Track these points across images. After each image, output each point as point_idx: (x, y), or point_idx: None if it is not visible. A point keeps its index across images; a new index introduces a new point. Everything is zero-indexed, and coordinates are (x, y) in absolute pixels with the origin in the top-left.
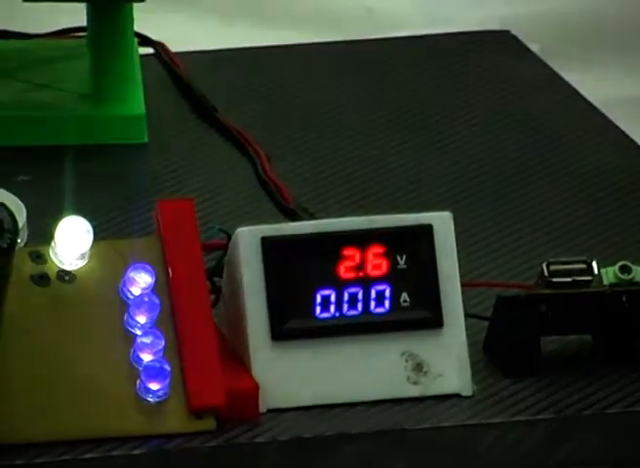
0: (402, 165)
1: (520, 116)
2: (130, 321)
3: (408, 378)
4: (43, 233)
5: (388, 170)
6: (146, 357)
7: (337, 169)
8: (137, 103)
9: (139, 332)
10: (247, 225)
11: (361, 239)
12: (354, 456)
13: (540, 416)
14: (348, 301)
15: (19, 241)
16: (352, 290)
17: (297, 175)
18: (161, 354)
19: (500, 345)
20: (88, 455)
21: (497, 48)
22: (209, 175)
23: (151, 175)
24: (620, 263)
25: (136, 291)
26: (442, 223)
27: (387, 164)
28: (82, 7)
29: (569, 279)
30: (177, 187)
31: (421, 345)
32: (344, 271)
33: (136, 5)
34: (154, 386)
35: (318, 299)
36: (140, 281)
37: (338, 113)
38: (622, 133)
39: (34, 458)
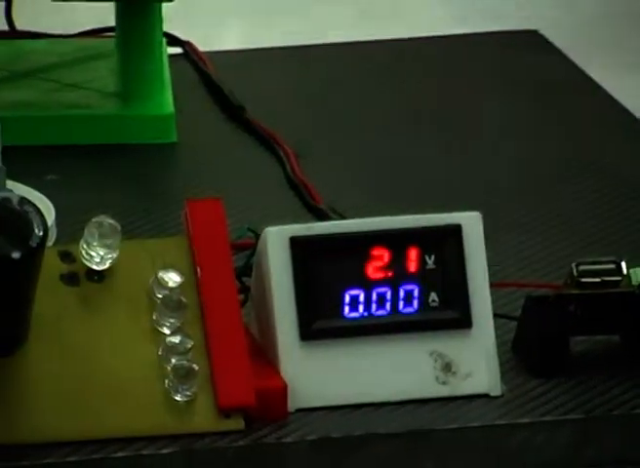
0: (431, 165)
1: (548, 116)
2: (159, 320)
3: (436, 378)
4: (72, 232)
5: (417, 169)
6: (175, 356)
7: (366, 168)
8: (165, 103)
9: (167, 332)
10: (276, 225)
11: (390, 239)
12: (382, 456)
13: (568, 417)
14: (377, 301)
15: (48, 240)
16: (381, 289)
17: (326, 174)
18: (190, 354)
19: (529, 345)
20: (118, 454)
21: (525, 47)
22: (238, 174)
23: (180, 174)
24: None
25: (164, 290)
26: (471, 223)
27: (417, 164)
28: (111, 7)
29: (598, 279)
30: (206, 187)
31: (450, 345)
32: (373, 271)
33: (164, 4)
34: (183, 386)
35: (347, 299)
36: (169, 280)
37: (367, 112)
38: None
39: (65, 457)
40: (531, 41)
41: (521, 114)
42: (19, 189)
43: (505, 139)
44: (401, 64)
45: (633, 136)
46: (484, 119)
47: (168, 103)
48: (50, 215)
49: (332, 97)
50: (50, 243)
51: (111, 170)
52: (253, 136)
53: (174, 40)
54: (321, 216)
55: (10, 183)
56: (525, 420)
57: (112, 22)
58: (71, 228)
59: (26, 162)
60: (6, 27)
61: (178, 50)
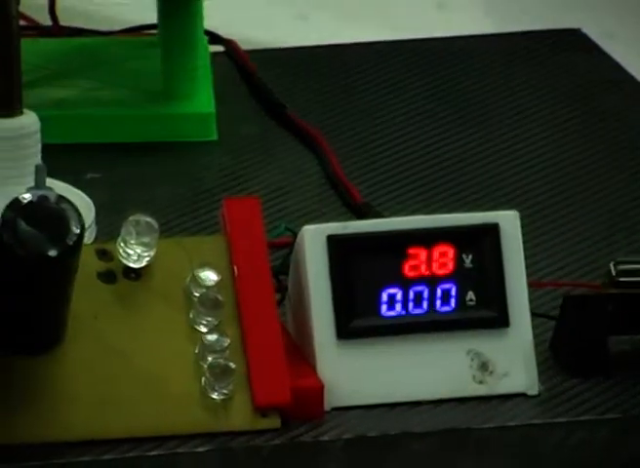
0: (469, 164)
1: (590, 115)
2: (195, 319)
3: (473, 377)
4: (112, 230)
5: (455, 169)
6: (212, 355)
7: (404, 167)
8: (207, 101)
9: (204, 330)
10: (314, 223)
11: (427, 238)
12: (419, 455)
13: (605, 416)
14: (414, 300)
15: (86, 238)
16: (418, 288)
17: (365, 173)
18: (226, 352)
19: (567, 345)
20: (153, 453)
21: (567, 46)
22: (278, 172)
23: (220, 172)
24: None
25: (201, 288)
26: (509, 222)
27: (454, 163)
28: (153, 4)
29: (636, 278)
30: (245, 185)
31: (487, 344)
32: (410, 270)
33: (206, 2)
34: (219, 384)
35: (384, 298)
36: (206, 279)
37: (406, 111)
38: None
39: (101, 455)
40: (572, 39)
41: (561, 113)
42: (59, 187)
43: (545, 139)
44: (439, 63)
45: None
46: (523, 118)
47: (209, 102)
48: (90, 213)
49: (372, 96)
50: (89, 241)
51: (151, 168)
52: (293, 134)
53: (215, 38)
54: (359, 215)
55: (50, 181)
56: (562, 420)
57: (154, 20)
58: (111, 226)
59: (67, 160)
60: (50, 23)
61: (219, 48)
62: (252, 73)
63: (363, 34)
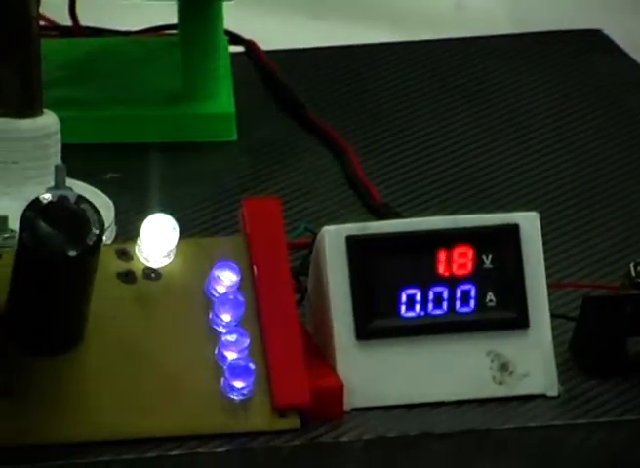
0: (489, 164)
1: (610, 116)
2: (215, 319)
3: (493, 378)
4: (131, 230)
5: (475, 169)
6: (231, 355)
7: (424, 168)
8: (227, 101)
9: (223, 331)
10: (334, 224)
11: (447, 238)
12: (439, 456)
13: (625, 418)
14: (433, 301)
15: (106, 238)
16: (437, 289)
17: (384, 173)
18: (246, 352)
19: (587, 346)
20: (173, 453)
21: (588, 47)
22: (297, 173)
23: (240, 173)
24: None
25: (221, 289)
26: (528, 223)
27: (474, 163)
28: (173, 4)
29: None
30: (265, 185)
31: (507, 345)
32: (430, 270)
33: (226, 3)
34: (239, 384)
35: (403, 298)
36: (226, 279)
37: (426, 112)
38: None
39: (121, 455)
40: (594, 41)
41: (581, 114)
42: (79, 187)
43: (565, 140)
44: (459, 63)
45: None
46: (543, 119)
47: (229, 102)
48: (110, 213)
49: (391, 97)
50: (109, 241)
51: (171, 168)
52: (313, 134)
53: (236, 38)
54: (379, 215)
55: (70, 181)
56: (582, 421)
57: (175, 20)
58: (131, 226)
59: (86, 160)
60: (69, 23)
61: (239, 48)
62: (272, 73)
63: (381, 35)
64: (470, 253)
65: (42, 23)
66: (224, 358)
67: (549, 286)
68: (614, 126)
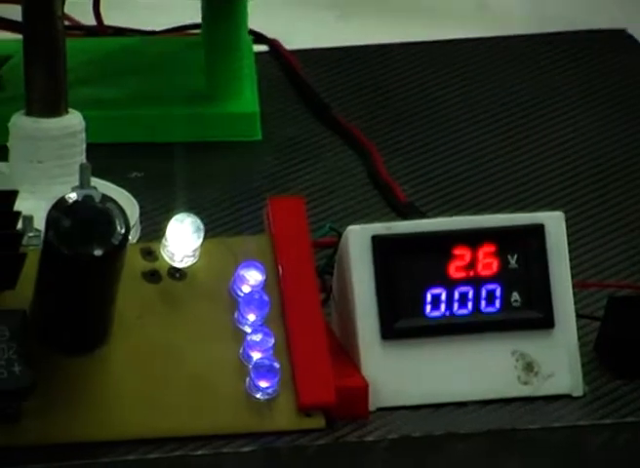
0: (514, 164)
1: (636, 116)
2: (240, 318)
3: (518, 378)
4: (156, 230)
5: (500, 169)
6: (256, 355)
7: (449, 167)
8: (251, 101)
9: (248, 330)
10: (358, 223)
11: (472, 238)
12: (464, 456)
13: None
14: (459, 300)
15: (131, 238)
16: (463, 289)
17: (409, 173)
18: (271, 352)
19: (612, 346)
20: (198, 452)
21: (613, 47)
22: (322, 172)
23: (264, 172)
24: None
25: (246, 288)
26: (554, 223)
27: (499, 163)
28: (197, 4)
29: None
30: (290, 185)
31: (532, 345)
32: (455, 270)
33: (250, 2)
34: (264, 384)
35: (428, 298)
36: (251, 278)
37: (450, 112)
38: None
39: (145, 454)
40: (618, 40)
41: (606, 113)
42: (103, 186)
43: (589, 139)
44: (484, 63)
45: None
46: (567, 119)
47: (253, 101)
48: (134, 213)
49: (416, 96)
50: (134, 240)
51: (195, 167)
52: (337, 134)
53: (260, 38)
54: (403, 215)
55: (95, 181)
56: (607, 421)
57: (198, 20)
58: (155, 226)
59: (111, 159)
60: (94, 23)
61: (264, 47)
62: (296, 73)
63: (405, 34)
64: (496, 252)
65: (66, 23)
66: (249, 357)
67: (574, 286)
68: (639, 126)
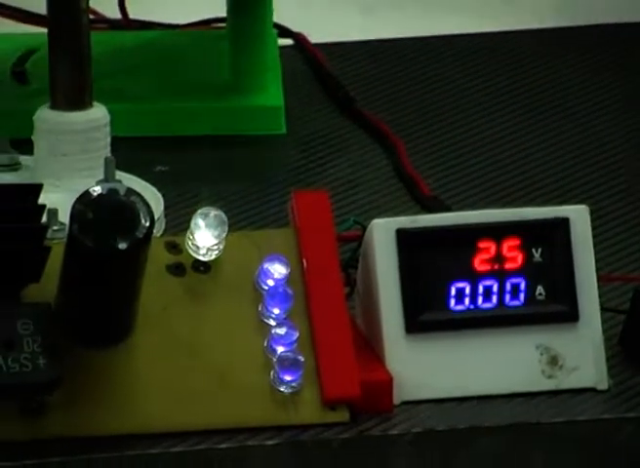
0: (538, 157)
1: None
2: (264, 312)
3: (543, 372)
4: (180, 223)
5: (524, 162)
6: (280, 348)
7: (473, 161)
8: (276, 94)
9: (273, 323)
10: (383, 217)
11: (496, 231)
12: (489, 449)
13: None
14: (483, 294)
15: (155, 231)
16: (487, 282)
17: (433, 166)
18: (295, 345)
19: (637, 339)
20: (222, 445)
21: (635, 40)
22: (346, 166)
23: (289, 165)
24: None
25: (270, 282)
26: (579, 216)
27: (523, 156)
28: None
29: None
30: (314, 178)
31: (557, 339)
32: (479, 264)
33: None
34: (288, 377)
35: (453, 292)
36: (275, 272)
37: (474, 105)
38: None
39: (169, 448)
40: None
41: (631, 107)
42: (128, 180)
43: (614, 134)
44: (509, 57)
45: None
46: (592, 112)
47: (278, 95)
48: (159, 206)
49: (440, 90)
50: (158, 233)
51: (220, 161)
52: (362, 128)
53: (285, 31)
54: (428, 208)
55: (119, 174)
56: (632, 415)
57: (224, 13)
58: (180, 219)
59: (136, 153)
60: (119, 16)
61: (289, 41)
62: (321, 66)
63: (430, 28)
64: (520, 246)
65: (91, 17)
66: (274, 351)
67: (599, 279)
68: None
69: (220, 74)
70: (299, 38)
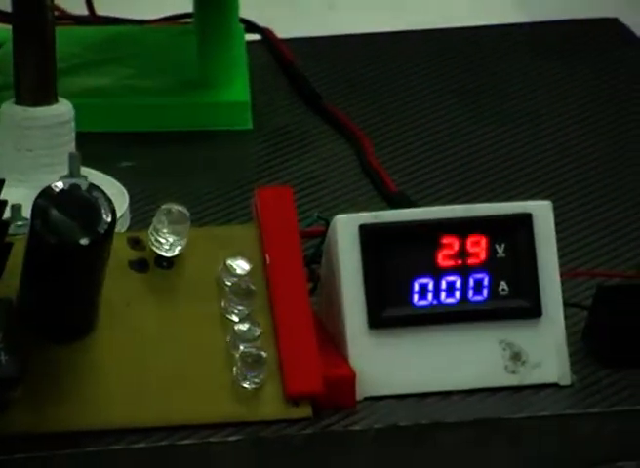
0: (502, 154)
1: (628, 105)
2: (227, 308)
3: (506, 367)
4: (146, 218)
5: (489, 158)
6: (243, 344)
7: (438, 157)
8: (242, 90)
9: (236, 319)
10: (348, 213)
11: (460, 227)
12: (450, 445)
13: (638, 407)
14: (446, 290)
15: (120, 227)
16: (450, 278)
17: (399, 162)
18: (258, 341)
19: (600, 335)
20: (185, 441)
21: (604, 36)
22: (312, 161)
23: (254, 161)
24: None
25: (233, 278)
26: (542, 212)
27: (488, 153)
28: None
29: None
30: (280, 174)
31: (520, 334)
32: (442, 259)
33: None
34: (251, 373)
35: (416, 287)
36: (238, 268)
37: (439, 102)
38: None
39: (132, 444)
40: (609, 29)
41: (595, 104)
42: (93, 175)
43: (578, 129)
44: (471, 52)
45: None
46: (558, 108)
47: (244, 90)
48: (123, 202)
49: (405, 85)
50: (123, 229)
51: (186, 156)
52: (329, 123)
53: (252, 26)
54: (394, 205)
55: (84, 170)
56: (595, 410)
57: (190, 9)
58: (144, 215)
59: (101, 148)
60: (86, 12)
61: (256, 36)
62: (288, 62)
63: (397, 23)
64: (483, 241)
65: (56, 13)
66: (237, 347)
67: (563, 275)
68: (631, 115)
69: (187, 70)
70: (265, 33)
